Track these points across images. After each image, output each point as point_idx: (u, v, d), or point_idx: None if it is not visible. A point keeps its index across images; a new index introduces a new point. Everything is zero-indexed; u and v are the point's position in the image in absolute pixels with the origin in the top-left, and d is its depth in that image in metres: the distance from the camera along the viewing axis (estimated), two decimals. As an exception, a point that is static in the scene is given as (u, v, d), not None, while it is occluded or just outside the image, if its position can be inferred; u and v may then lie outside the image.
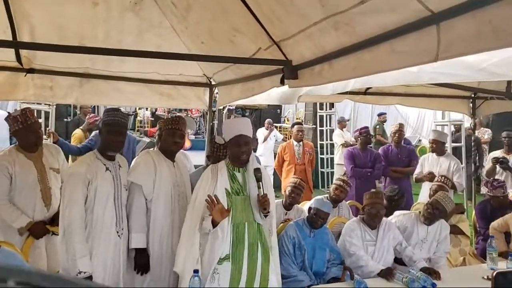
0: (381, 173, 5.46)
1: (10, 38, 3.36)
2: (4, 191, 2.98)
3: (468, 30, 1.43)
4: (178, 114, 12.39)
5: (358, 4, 1.76)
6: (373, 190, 3.57)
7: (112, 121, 2.73)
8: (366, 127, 5.89)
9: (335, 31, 2.09)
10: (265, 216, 2.66)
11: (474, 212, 4.77)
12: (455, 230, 4.07)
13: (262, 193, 2.57)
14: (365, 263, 3.15)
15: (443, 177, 4.44)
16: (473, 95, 5.30)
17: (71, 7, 3.28)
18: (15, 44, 3.51)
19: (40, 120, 4.92)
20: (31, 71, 3.84)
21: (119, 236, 2.76)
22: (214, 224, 2.51)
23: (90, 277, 2.57)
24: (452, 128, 8.08)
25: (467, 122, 6.52)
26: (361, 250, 3.26)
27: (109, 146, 2.76)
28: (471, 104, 5.42)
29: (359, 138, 5.61)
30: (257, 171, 2.62)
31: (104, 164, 2.74)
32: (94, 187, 2.65)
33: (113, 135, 2.73)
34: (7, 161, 3.01)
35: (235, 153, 2.65)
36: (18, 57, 3.70)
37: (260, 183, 2.59)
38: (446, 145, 5.53)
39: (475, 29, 1.40)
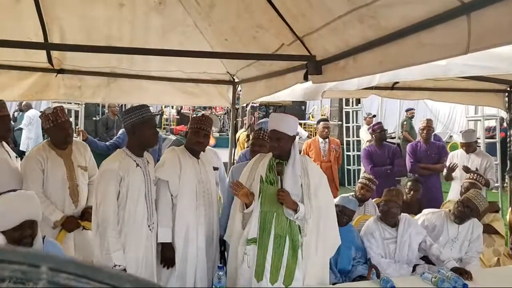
0: (402, 169, 5.35)
1: (41, 41, 3.47)
2: (39, 185, 3.07)
3: (500, 20, 1.36)
4: (202, 112, 12.51)
5: (383, -5, 1.71)
6: (392, 188, 3.50)
7: (149, 117, 2.81)
8: (379, 123, 5.81)
9: (360, 25, 2.05)
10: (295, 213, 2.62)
11: (510, 210, 4.59)
12: (489, 229, 3.93)
13: (279, 187, 2.61)
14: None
15: (475, 174, 4.29)
16: (508, 88, 5.09)
17: (98, 9, 3.35)
18: (48, 46, 3.62)
19: (70, 119, 5.06)
20: (61, 71, 3.97)
21: (150, 230, 2.81)
22: (246, 205, 2.72)
23: (124, 271, 2.61)
24: (487, 124, 7.82)
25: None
26: (379, 258, 3.22)
27: (150, 141, 2.82)
28: (506, 98, 5.20)
29: (373, 135, 5.51)
30: (279, 165, 2.67)
31: (134, 161, 2.78)
32: (126, 183, 2.70)
33: (152, 130, 2.81)
34: (40, 156, 3.11)
35: (269, 146, 2.78)
36: (50, 59, 3.83)
37: (280, 177, 2.63)
38: (479, 141, 5.34)
39: (508, 19, 1.33)
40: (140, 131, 2.75)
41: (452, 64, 2.90)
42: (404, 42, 1.84)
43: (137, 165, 2.78)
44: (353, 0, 1.93)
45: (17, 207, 2.17)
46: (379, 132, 5.45)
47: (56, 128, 3.11)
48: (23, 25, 3.37)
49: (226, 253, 3.29)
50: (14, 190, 2.28)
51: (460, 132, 5.68)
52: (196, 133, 3.02)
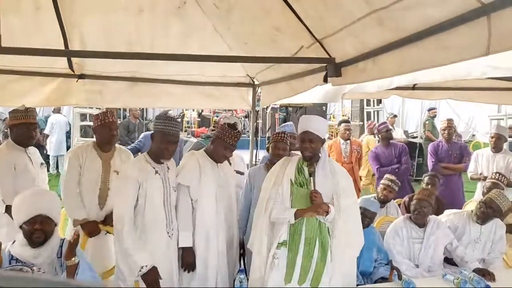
0: (410, 166, 5.29)
1: (62, 47, 3.54)
2: (75, 179, 3.18)
3: (522, 21, 1.35)
4: (223, 113, 12.54)
5: (402, -2, 1.71)
6: (427, 188, 3.47)
7: (169, 131, 2.77)
8: (384, 123, 5.78)
9: (379, 27, 2.05)
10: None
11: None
12: (512, 230, 3.85)
13: (312, 188, 2.60)
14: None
15: (497, 174, 4.21)
16: (532, 87, 4.96)
17: (118, 15, 3.40)
18: (69, 53, 3.69)
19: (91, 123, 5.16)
20: (82, 76, 4.05)
21: (169, 236, 2.82)
22: (297, 216, 2.59)
23: (154, 268, 2.62)
24: (510, 123, 7.64)
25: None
26: (399, 256, 3.20)
27: (162, 154, 2.81)
28: (531, 97, 5.08)
29: (379, 136, 5.48)
30: (311, 166, 2.66)
31: (154, 168, 2.81)
32: (145, 190, 2.72)
33: (167, 145, 2.78)
34: (80, 153, 3.24)
35: (300, 148, 2.73)
36: (70, 64, 3.91)
37: (313, 178, 2.61)
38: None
39: (530, 20, 1.32)
40: (156, 140, 2.80)
41: (474, 65, 2.86)
42: (423, 44, 1.83)
43: (156, 171, 2.80)
44: (371, 3, 1.93)
45: (31, 201, 2.26)
46: (384, 131, 5.44)
47: (102, 126, 3.23)
48: (43, 32, 3.44)
49: (244, 256, 3.32)
50: None
51: (496, 124, 5.55)
52: (225, 148, 2.98)
